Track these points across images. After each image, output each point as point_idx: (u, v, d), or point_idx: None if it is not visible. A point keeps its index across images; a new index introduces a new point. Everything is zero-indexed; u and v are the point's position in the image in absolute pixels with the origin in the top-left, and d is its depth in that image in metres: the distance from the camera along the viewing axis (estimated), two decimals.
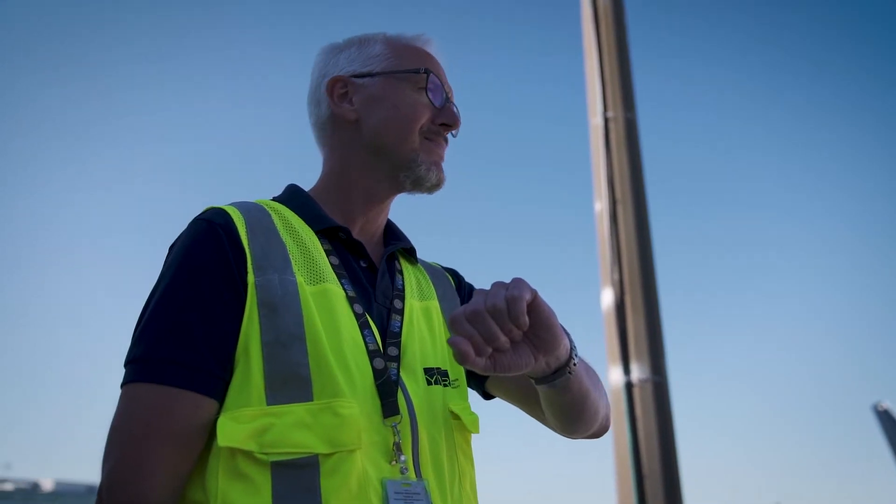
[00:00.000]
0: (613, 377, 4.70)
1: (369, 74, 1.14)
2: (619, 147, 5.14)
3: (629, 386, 4.62)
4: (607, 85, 5.27)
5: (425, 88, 1.13)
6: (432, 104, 1.13)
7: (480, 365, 0.85)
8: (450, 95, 1.17)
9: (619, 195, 5.03)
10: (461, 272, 1.31)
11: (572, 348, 0.97)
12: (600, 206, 5.08)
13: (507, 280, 0.89)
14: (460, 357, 0.82)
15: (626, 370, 4.65)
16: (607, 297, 4.86)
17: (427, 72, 1.14)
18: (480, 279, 1.23)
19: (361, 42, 1.17)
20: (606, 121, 5.20)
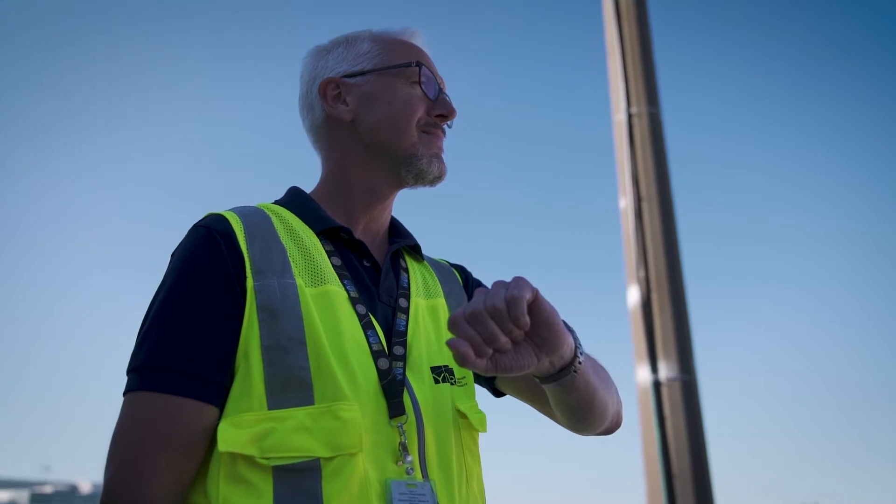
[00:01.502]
0: (641, 376, 4.64)
1: (360, 73, 1.13)
2: (644, 143, 5.08)
3: (657, 385, 4.56)
4: (630, 80, 5.22)
5: (418, 82, 1.12)
6: (426, 97, 1.12)
7: (481, 366, 0.83)
8: (442, 86, 1.17)
9: (644, 192, 4.97)
10: (485, 273, 1.29)
11: (577, 346, 0.96)
12: (625, 203, 5.02)
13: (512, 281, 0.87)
14: (460, 359, 0.81)
15: (654, 369, 4.59)
16: (633, 295, 4.80)
17: (418, 65, 1.13)
18: (504, 277, 1.22)
19: (348, 41, 1.17)
20: (630, 117, 5.14)
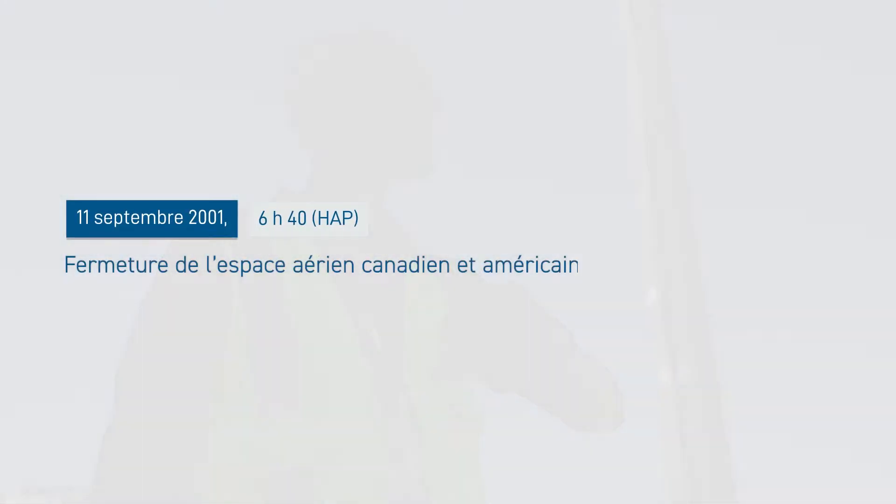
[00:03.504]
0: (660, 378, 4.61)
1: (345, 68, 1.10)
2: (661, 140, 5.04)
3: (677, 386, 4.52)
4: (646, 78, 5.18)
5: (405, 74, 1.10)
6: (414, 89, 1.10)
7: (473, 374, 0.85)
8: (430, 78, 1.13)
9: (661, 190, 4.94)
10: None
11: (571, 345, 0.95)
12: (643, 202, 4.99)
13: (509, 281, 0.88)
14: (450, 367, 0.83)
15: (674, 371, 4.55)
16: (651, 296, 4.77)
17: (405, 57, 1.11)
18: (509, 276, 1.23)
19: (331, 36, 1.14)
20: (646, 114, 5.11)
